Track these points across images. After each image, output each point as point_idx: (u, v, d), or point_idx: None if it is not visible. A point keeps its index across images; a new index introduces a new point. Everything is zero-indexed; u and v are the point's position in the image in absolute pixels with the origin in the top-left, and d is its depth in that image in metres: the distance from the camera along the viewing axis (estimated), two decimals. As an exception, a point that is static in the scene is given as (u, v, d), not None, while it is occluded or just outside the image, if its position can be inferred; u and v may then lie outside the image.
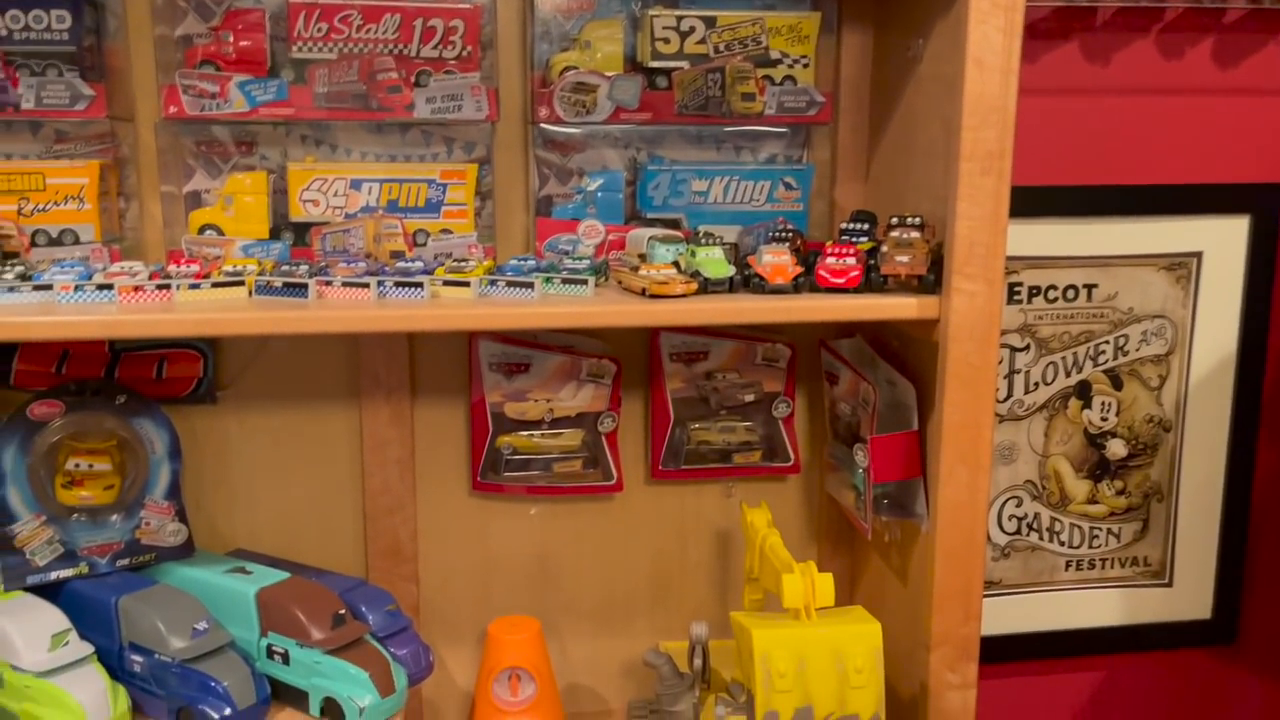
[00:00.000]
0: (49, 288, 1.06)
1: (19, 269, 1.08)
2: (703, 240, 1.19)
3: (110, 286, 1.06)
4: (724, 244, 1.20)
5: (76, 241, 1.20)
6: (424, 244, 1.27)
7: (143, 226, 1.26)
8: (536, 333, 1.35)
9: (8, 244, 1.14)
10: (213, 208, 1.24)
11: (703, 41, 1.28)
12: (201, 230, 1.24)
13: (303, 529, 1.36)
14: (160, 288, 1.07)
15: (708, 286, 1.16)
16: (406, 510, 1.38)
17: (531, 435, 1.37)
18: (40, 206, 1.19)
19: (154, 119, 1.23)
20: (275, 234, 1.25)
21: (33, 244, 1.19)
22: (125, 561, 1.21)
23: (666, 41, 1.28)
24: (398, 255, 1.19)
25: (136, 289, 1.06)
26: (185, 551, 1.25)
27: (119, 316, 1.05)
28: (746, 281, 1.17)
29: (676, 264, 1.17)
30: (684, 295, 1.13)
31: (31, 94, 1.16)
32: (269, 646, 1.17)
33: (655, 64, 1.28)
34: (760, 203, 1.34)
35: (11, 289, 1.05)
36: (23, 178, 1.19)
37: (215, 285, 1.09)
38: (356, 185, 1.26)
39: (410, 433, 1.36)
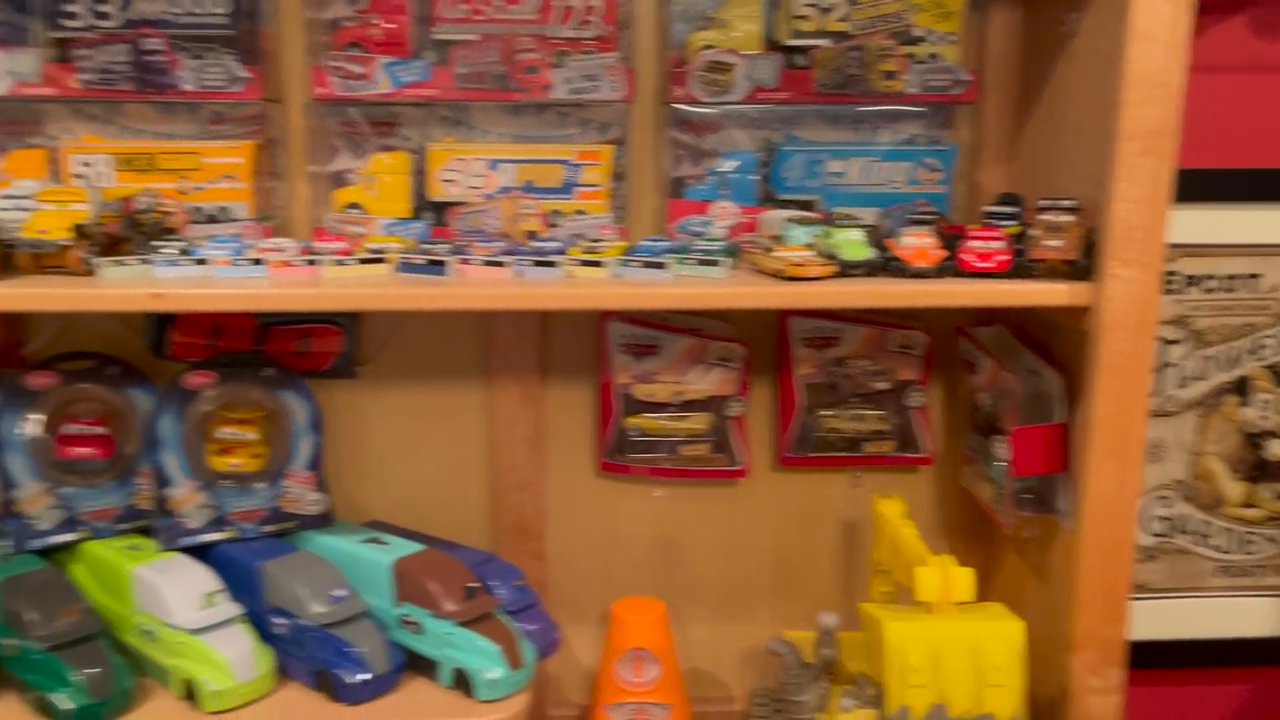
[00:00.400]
0: (205, 262, 1.11)
1: (179, 244, 1.13)
2: (840, 222, 1.16)
3: (262, 261, 1.11)
4: (863, 226, 1.17)
5: (231, 219, 1.25)
6: (558, 224, 1.27)
7: (291, 205, 1.30)
8: (665, 315, 1.35)
9: (169, 220, 1.20)
10: (356, 187, 1.27)
11: (844, 19, 1.25)
12: (346, 209, 1.27)
13: (434, 503, 1.39)
14: (309, 263, 1.11)
15: (845, 269, 1.13)
16: (534, 488, 1.39)
17: (658, 417, 1.37)
18: (198, 185, 1.24)
19: (303, 100, 1.27)
20: (417, 214, 1.28)
21: (191, 221, 1.24)
22: (270, 528, 1.26)
23: (806, 19, 1.25)
24: (533, 235, 1.20)
25: (286, 264, 1.10)
26: (325, 521, 1.29)
27: (270, 290, 1.09)
28: (885, 265, 1.14)
29: (811, 246, 1.15)
30: (821, 278, 1.11)
31: (192, 76, 1.21)
32: (403, 616, 1.20)
33: (794, 42, 1.25)
34: (900, 184, 1.30)
35: (173, 263, 1.10)
36: (182, 157, 1.24)
37: (361, 262, 1.12)
38: (494, 166, 1.27)
39: (539, 412, 1.37)
